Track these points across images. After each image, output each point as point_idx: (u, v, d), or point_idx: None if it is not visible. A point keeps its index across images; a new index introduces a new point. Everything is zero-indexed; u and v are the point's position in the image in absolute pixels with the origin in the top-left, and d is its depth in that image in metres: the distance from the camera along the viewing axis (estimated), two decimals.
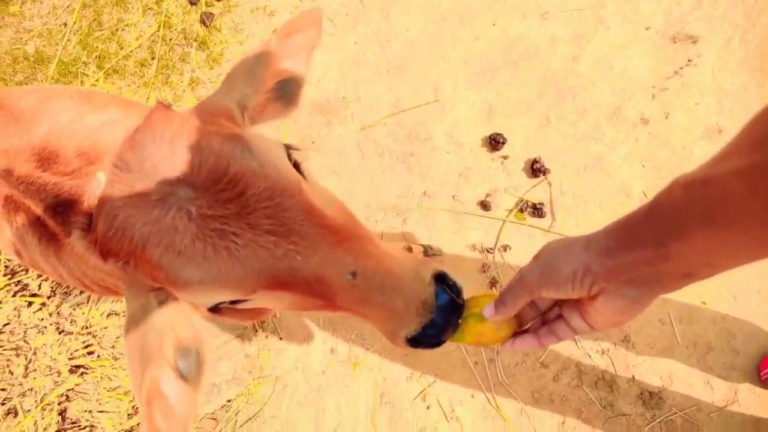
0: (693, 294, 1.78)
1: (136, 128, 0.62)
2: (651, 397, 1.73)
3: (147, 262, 0.59)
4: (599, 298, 0.59)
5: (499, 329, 0.72)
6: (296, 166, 0.68)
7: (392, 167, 2.06)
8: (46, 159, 0.89)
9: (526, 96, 2.03)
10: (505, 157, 1.99)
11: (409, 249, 1.85)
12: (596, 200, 1.91)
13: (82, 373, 1.84)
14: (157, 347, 0.62)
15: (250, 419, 1.90)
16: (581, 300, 0.64)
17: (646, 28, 2.02)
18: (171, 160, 0.59)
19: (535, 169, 1.93)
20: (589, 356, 1.79)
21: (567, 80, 2.02)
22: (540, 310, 0.74)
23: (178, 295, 0.62)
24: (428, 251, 1.90)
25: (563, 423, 1.76)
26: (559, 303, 0.72)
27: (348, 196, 2.05)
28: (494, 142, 1.97)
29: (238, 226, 0.58)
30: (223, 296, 0.62)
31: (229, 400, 1.91)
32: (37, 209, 0.86)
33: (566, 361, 1.80)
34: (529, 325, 0.77)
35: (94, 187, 0.86)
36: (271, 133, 2.15)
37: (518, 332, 0.75)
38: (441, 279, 0.66)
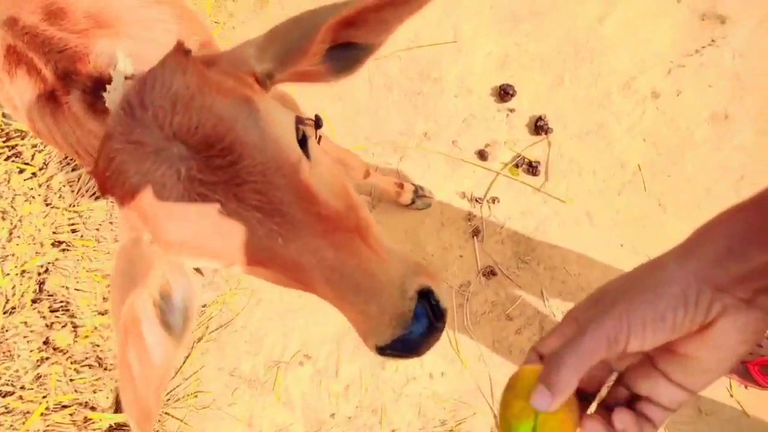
0: None
1: (148, 70, 0.60)
2: None
3: (137, 210, 0.58)
4: (718, 323, 0.42)
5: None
6: (304, 141, 0.65)
7: (398, 103, 2.03)
8: (53, 14, 0.86)
9: (545, 51, 2.00)
10: (511, 110, 1.97)
11: (401, 186, 1.87)
12: (591, 167, 1.91)
13: (63, 249, 1.87)
14: (143, 274, 0.60)
15: (221, 326, 1.96)
16: (681, 349, 0.44)
17: (678, 0, 1.96)
18: (172, 113, 0.57)
19: (538, 127, 1.92)
20: (554, 315, 1.84)
21: (588, 41, 1.97)
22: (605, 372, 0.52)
23: (162, 250, 0.61)
24: (419, 191, 1.92)
25: None
26: (622, 374, 0.50)
27: (350, 125, 2.03)
28: (503, 93, 1.95)
29: (225, 195, 0.56)
30: (202, 262, 0.62)
31: (204, 305, 1.96)
32: (40, 63, 0.84)
33: (532, 316, 1.86)
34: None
35: (107, 59, 0.84)
36: None
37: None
38: (426, 295, 0.62)
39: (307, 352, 1.91)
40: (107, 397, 1.87)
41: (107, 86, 0.72)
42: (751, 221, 0.42)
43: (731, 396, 1.74)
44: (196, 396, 1.91)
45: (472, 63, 2.02)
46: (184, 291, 0.67)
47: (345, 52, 0.68)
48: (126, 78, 0.73)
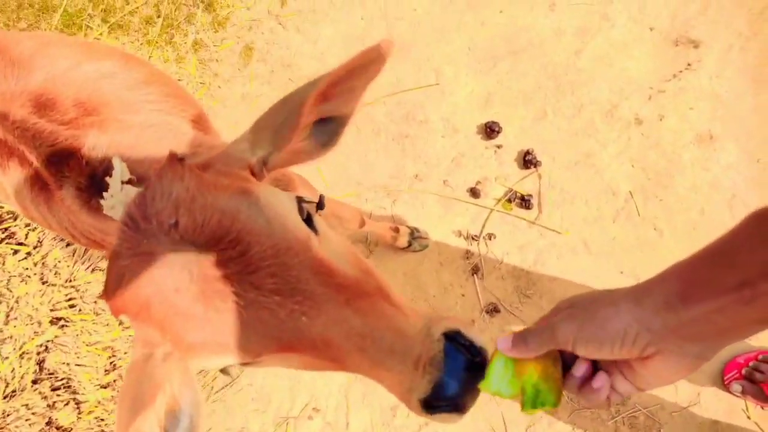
0: None
1: (146, 183, 0.61)
2: None
3: (153, 321, 0.58)
4: (655, 358, 0.52)
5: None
6: (309, 219, 0.66)
7: (387, 147, 2.07)
8: (42, 105, 0.89)
9: (526, 87, 2.04)
10: (498, 146, 2.00)
11: (396, 230, 1.88)
12: (583, 196, 1.93)
13: (62, 326, 1.87)
14: (150, 398, 0.59)
15: (226, 386, 1.93)
16: (631, 363, 0.56)
17: (651, 29, 2.02)
18: (176, 217, 0.57)
19: (527, 161, 1.95)
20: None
21: (567, 74, 2.02)
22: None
23: (183, 356, 0.60)
24: (415, 233, 1.93)
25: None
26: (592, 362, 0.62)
27: (340, 172, 2.06)
28: (489, 131, 1.98)
29: (241, 286, 0.56)
30: (228, 360, 0.60)
31: None
32: (31, 156, 0.86)
33: None
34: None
35: (100, 154, 0.86)
36: (269, 99, 2.15)
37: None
38: (453, 337, 0.60)
39: (316, 405, 1.89)
40: None
41: (104, 194, 0.73)
42: (686, 279, 0.50)
43: (748, 418, 1.71)
44: None
45: (456, 103, 2.06)
46: (191, 406, 0.65)
47: (323, 127, 0.70)
48: (122, 183, 0.74)
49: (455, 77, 2.08)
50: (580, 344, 0.55)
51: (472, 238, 1.95)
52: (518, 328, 1.86)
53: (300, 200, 0.66)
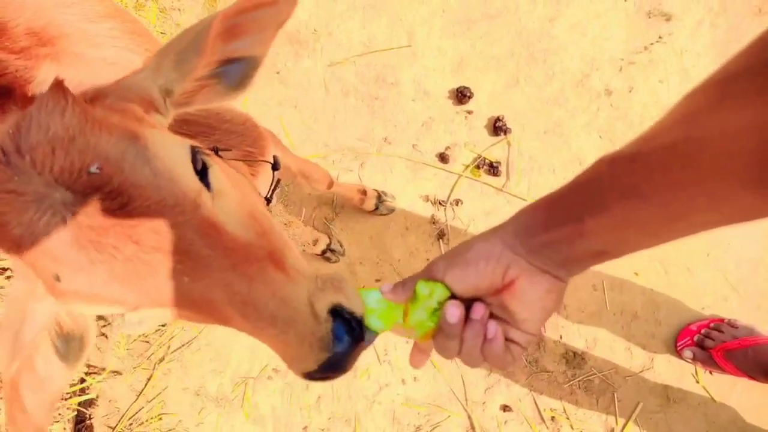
0: (628, 265, 1.85)
1: (23, 112, 0.55)
2: (574, 357, 1.81)
3: (26, 262, 0.54)
4: (518, 282, 0.56)
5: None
6: (204, 171, 0.61)
7: (356, 109, 2.02)
8: None
9: (499, 53, 2.02)
10: (469, 112, 1.98)
11: (364, 192, 1.85)
12: (551, 165, 1.94)
13: None
14: (31, 338, 0.58)
15: (183, 345, 1.89)
16: (504, 303, 0.58)
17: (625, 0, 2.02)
18: (51, 157, 0.52)
19: (497, 128, 1.93)
20: None
21: (540, 42, 2.00)
22: None
23: (55, 300, 0.57)
24: (382, 197, 1.90)
25: (489, 374, 1.83)
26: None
27: (308, 132, 2.01)
28: (461, 96, 1.96)
29: (119, 239, 0.52)
30: (101, 310, 0.57)
31: (163, 324, 1.89)
32: None
33: None
34: None
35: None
36: None
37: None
38: (338, 311, 0.60)
39: (276, 366, 1.87)
40: None
41: None
42: (547, 207, 0.55)
43: (697, 383, 1.77)
44: (160, 418, 1.84)
45: (427, 66, 2.02)
46: (78, 326, 0.64)
47: (235, 69, 0.67)
48: None
49: (428, 39, 2.04)
50: (450, 271, 0.58)
51: (440, 204, 1.94)
52: None
53: (195, 150, 0.61)
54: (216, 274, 0.55)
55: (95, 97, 0.61)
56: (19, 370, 0.57)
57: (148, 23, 2.07)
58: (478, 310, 0.59)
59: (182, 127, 0.90)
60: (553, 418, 1.78)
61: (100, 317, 1.77)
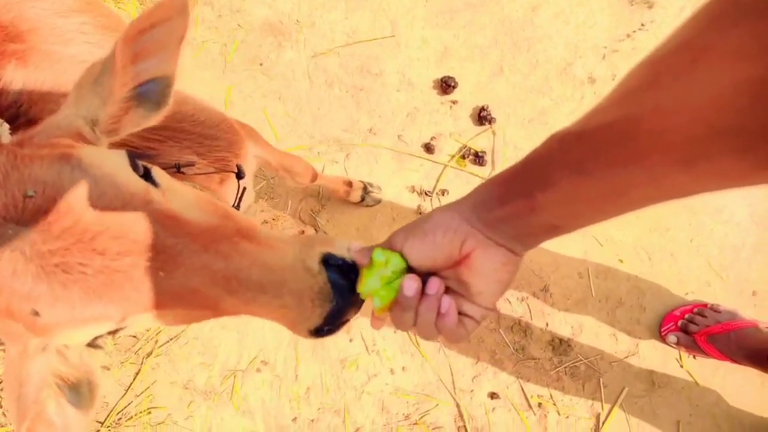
0: (612, 253, 1.87)
1: None
2: (560, 344, 1.83)
3: (2, 313, 0.53)
4: (474, 254, 0.57)
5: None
6: (146, 173, 0.61)
7: (340, 99, 2.01)
8: None
9: (482, 42, 2.01)
10: (454, 102, 1.98)
11: (349, 184, 1.85)
12: None
13: None
14: (33, 400, 0.57)
15: (171, 339, 1.89)
16: (460, 276, 0.59)
17: None
18: None
19: (482, 117, 1.94)
20: (509, 302, 1.86)
21: (524, 30, 2.00)
22: None
23: (43, 339, 0.56)
24: (368, 188, 1.90)
25: (477, 362, 1.84)
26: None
27: (291, 124, 2.00)
28: (445, 85, 1.96)
29: (84, 255, 0.52)
30: (91, 332, 0.57)
31: None
32: None
33: None
34: None
35: (12, 99, 0.79)
36: (217, 51, 2.05)
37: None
38: (329, 261, 0.60)
39: (264, 359, 1.87)
40: None
41: None
42: (503, 182, 0.57)
43: (681, 367, 1.80)
44: (149, 412, 1.84)
45: (411, 57, 2.02)
46: (83, 372, 0.64)
47: (150, 90, 0.67)
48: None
49: (411, 29, 2.04)
50: (408, 242, 0.59)
51: (426, 194, 1.94)
52: None
53: (132, 155, 0.61)
54: (189, 260, 0.55)
55: (21, 142, 0.60)
56: (31, 429, 0.56)
57: (128, 16, 2.05)
58: (433, 285, 0.60)
59: (152, 132, 0.89)
60: (540, 404, 1.80)
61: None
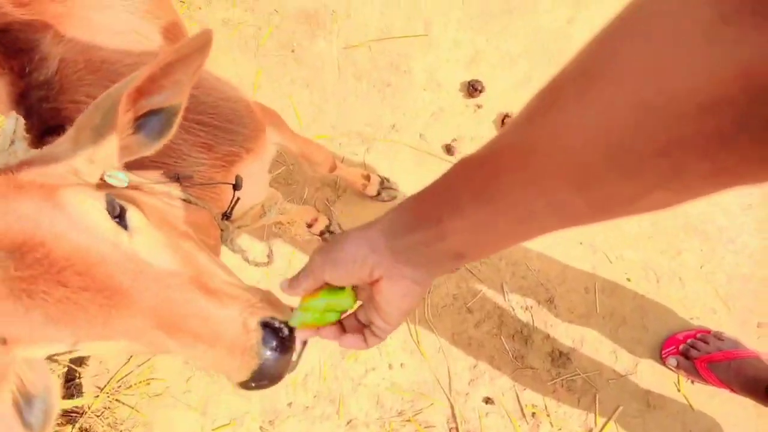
0: (621, 270, 1.88)
1: None
2: (560, 356, 1.84)
3: None
4: (382, 281, 0.58)
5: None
6: (122, 214, 0.66)
7: (367, 93, 2.03)
8: None
9: (514, 49, 2.02)
10: (479, 106, 1.99)
11: (367, 178, 1.86)
12: None
13: None
14: None
15: None
16: (372, 294, 0.62)
17: None
18: None
19: (506, 124, 1.94)
20: (513, 310, 1.87)
21: (557, 42, 2.01)
22: None
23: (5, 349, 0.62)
24: (385, 183, 1.92)
25: (475, 366, 1.86)
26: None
27: (316, 113, 2.02)
28: (472, 89, 1.97)
29: (48, 285, 0.57)
30: (45, 350, 0.62)
31: None
32: None
33: (491, 310, 1.88)
34: None
35: (46, 69, 0.82)
36: (251, 34, 2.07)
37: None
38: (268, 323, 0.65)
39: None
40: None
41: None
42: (412, 208, 0.56)
43: (678, 391, 1.80)
44: (148, 383, 1.87)
45: (441, 57, 2.03)
46: (43, 387, 0.68)
47: (155, 119, 0.71)
48: (11, 142, 0.74)
49: (444, 30, 2.04)
50: (328, 268, 0.61)
51: None
52: (474, 286, 1.90)
53: (110, 198, 0.66)
54: (139, 303, 0.60)
55: (19, 167, 0.66)
56: None
57: None
58: (346, 341, 0.67)
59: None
60: (534, 414, 1.82)
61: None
